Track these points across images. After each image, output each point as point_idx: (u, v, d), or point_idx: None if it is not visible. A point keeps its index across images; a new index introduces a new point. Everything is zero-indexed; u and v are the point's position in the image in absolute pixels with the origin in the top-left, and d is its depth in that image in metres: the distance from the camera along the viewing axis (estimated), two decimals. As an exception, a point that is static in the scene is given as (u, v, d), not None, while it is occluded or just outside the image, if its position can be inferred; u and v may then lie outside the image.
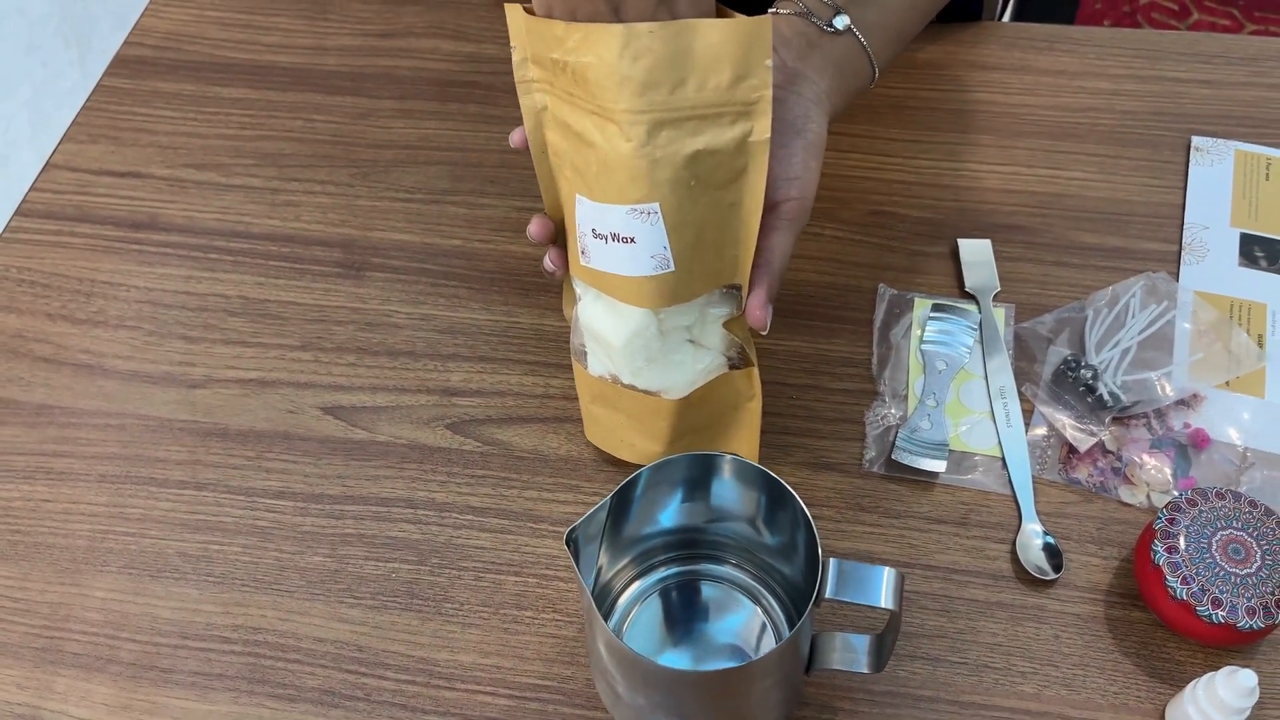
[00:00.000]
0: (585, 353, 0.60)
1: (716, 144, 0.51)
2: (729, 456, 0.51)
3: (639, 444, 0.61)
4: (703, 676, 0.48)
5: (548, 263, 0.58)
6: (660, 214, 0.51)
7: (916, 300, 0.69)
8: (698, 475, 0.52)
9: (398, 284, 0.72)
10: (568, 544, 0.48)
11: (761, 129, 0.51)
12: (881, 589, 0.47)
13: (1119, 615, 0.58)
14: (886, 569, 0.47)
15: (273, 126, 0.80)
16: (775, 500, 0.51)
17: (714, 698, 0.48)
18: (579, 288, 0.59)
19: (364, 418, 0.66)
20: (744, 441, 0.61)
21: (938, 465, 0.62)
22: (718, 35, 0.49)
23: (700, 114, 0.50)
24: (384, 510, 0.63)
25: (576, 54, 0.50)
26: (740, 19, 0.50)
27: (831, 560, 0.48)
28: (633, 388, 0.58)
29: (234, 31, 0.86)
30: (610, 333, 0.57)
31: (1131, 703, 0.55)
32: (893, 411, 0.64)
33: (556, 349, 0.68)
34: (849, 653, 0.53)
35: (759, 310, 0.56)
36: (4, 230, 0.76)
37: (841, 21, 0.60)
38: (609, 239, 0.53)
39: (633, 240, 0.52)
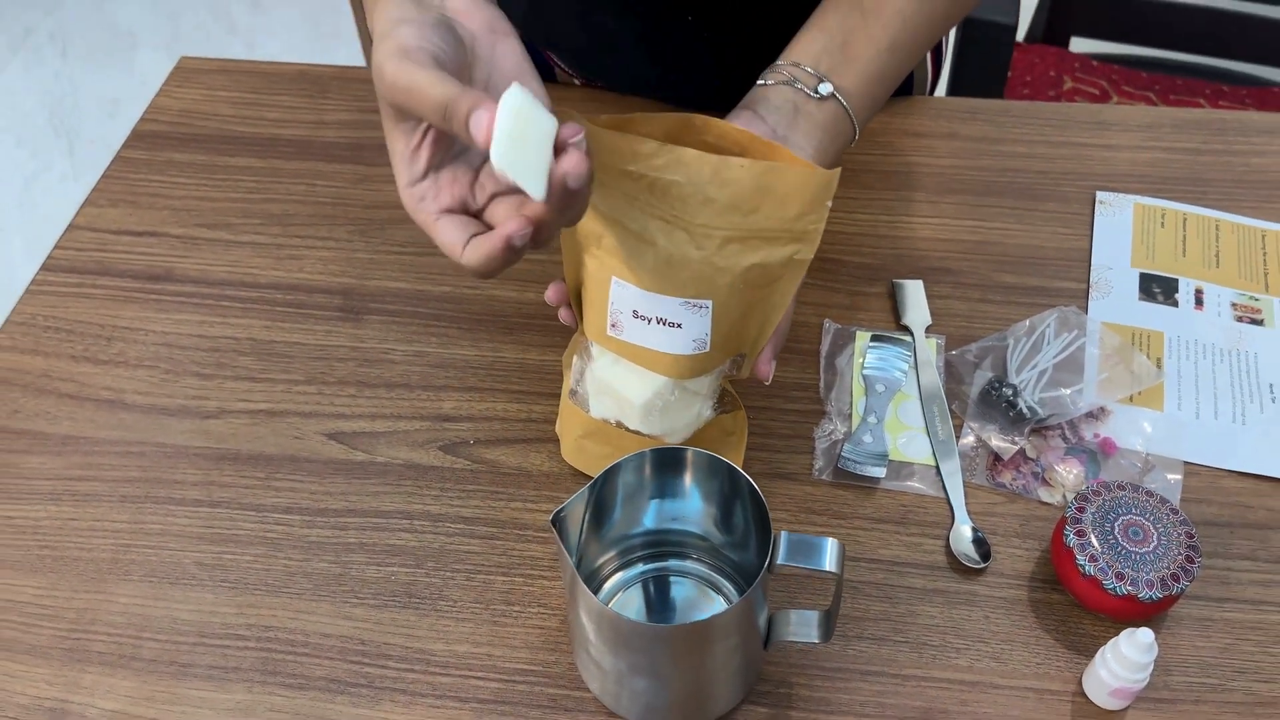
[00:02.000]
0: (586, 397, 0.67)
1: (769, 259, 0.61)
2: (692, 449, 0.59)
3: None
4: (674, 630, 0.55)
5: (564, 317, 0.67)
6: (710, 309, 0.61)
7: (858, 333, 0.77)
8: (667, 466, 0.60)
9: (394, 325, 0.80)
10: (553, 524, 0.55)
11: (808, 251, 0.61)
12: (826, 556, 0.54)
13: (1040, 598, 0.65)
14: (829, 539, 0.54)
15: (278, 191, 0.88)
16: (732, 488, 0.59)
17: (684, 655, 0.55)
18: (596, 350, 0.66)
19: (364, 441, 0.73)
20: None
21: (878, 472, 0.70)
22: (796, 180, 0.58)
23: (764, 236, 0.60)
24: (383, 521, 0.70)
25: (663, 172, 0.58)
26: (817, 170, 0.59)
27: (782, 533, 0.55)
28: (638, 433, 0.66)
29: (242, 109, 0.95)
30: (631, 393, 0.64)
31: (1052, 672, 0.63)
32: (839, 427, 0.72)
33: (538, 379, 0.76)
34: (802, 626, 0.59)
35: (765, 366, 0.65)
36: (30, 285, 0.83)
37: (826, 88, 0.66)
38: (653, 321, 0.61)
39: (679, 326, 0.61)
